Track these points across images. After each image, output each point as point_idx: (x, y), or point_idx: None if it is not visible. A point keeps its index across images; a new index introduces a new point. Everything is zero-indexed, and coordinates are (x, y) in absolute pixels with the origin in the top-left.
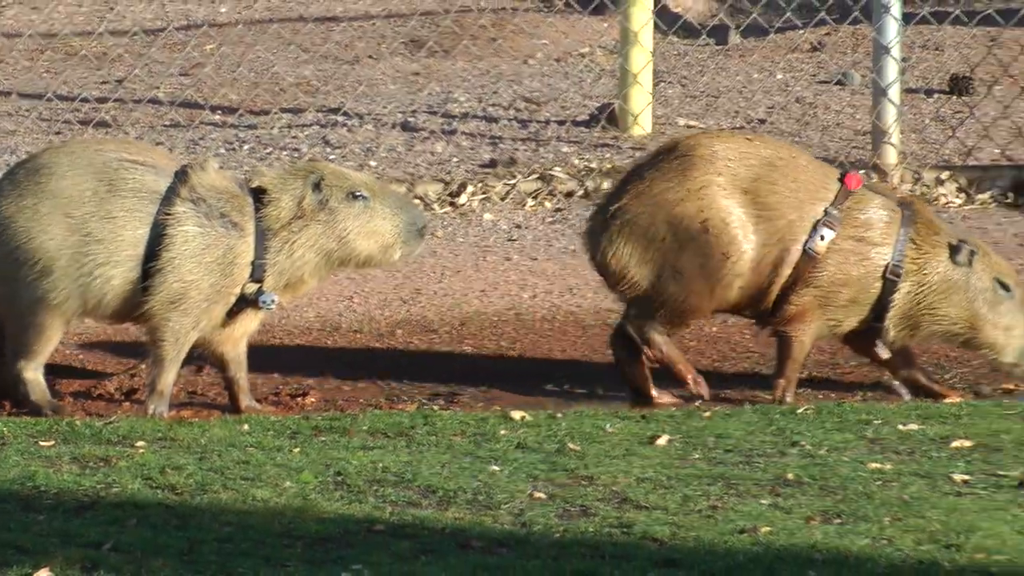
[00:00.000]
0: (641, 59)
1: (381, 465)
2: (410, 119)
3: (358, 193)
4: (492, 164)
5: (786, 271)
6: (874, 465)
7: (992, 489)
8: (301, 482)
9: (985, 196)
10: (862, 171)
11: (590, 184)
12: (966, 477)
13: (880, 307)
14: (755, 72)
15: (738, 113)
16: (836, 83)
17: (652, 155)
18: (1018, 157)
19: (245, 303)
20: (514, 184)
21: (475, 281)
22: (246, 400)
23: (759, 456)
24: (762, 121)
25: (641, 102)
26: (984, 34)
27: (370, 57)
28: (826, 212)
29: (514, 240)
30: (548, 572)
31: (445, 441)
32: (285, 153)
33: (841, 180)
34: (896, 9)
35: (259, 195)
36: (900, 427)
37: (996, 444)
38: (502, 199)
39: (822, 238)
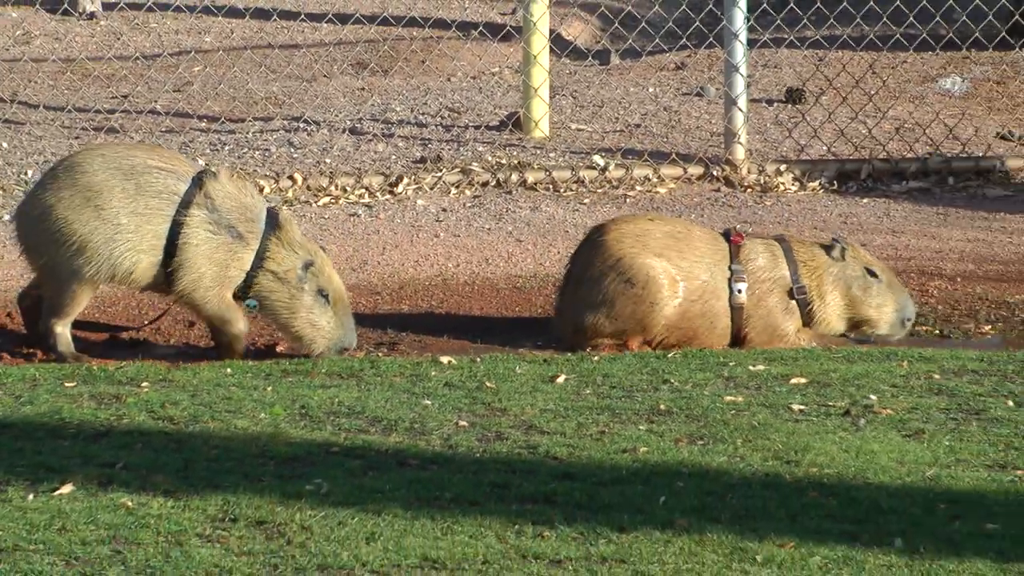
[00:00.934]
0: (540, 76)
1: (337, 400)
2: (357, 125)
3: (325, 292)
4: (423, 160)
5: (722, 322)
6: (729, 398)
7: (823, 417)
8: (273, 414)
9: (815, 184)
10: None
11: (501, 176)
12: (802, 407)
13: (806, 316)
14: (632, 87)
15: (618, 119)
16: (696, 95)
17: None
18: (840, 153)
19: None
20: (440, 176)
21: (410, 254)
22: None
23: (638, 391)
24: (637, 125)
25: (540, 111)
26: (813, 55)
27: (324, 76)
28: (731, 270)
29: (441, 221)
30: (470, 484)
31: (388, 381)
32: (258, 153)
33: (727, 239)
34: (743, 36)
35: (273, 219)
36: (750, 367)
37: (826, 381)
38: (431, 188)
39: (740, 292)
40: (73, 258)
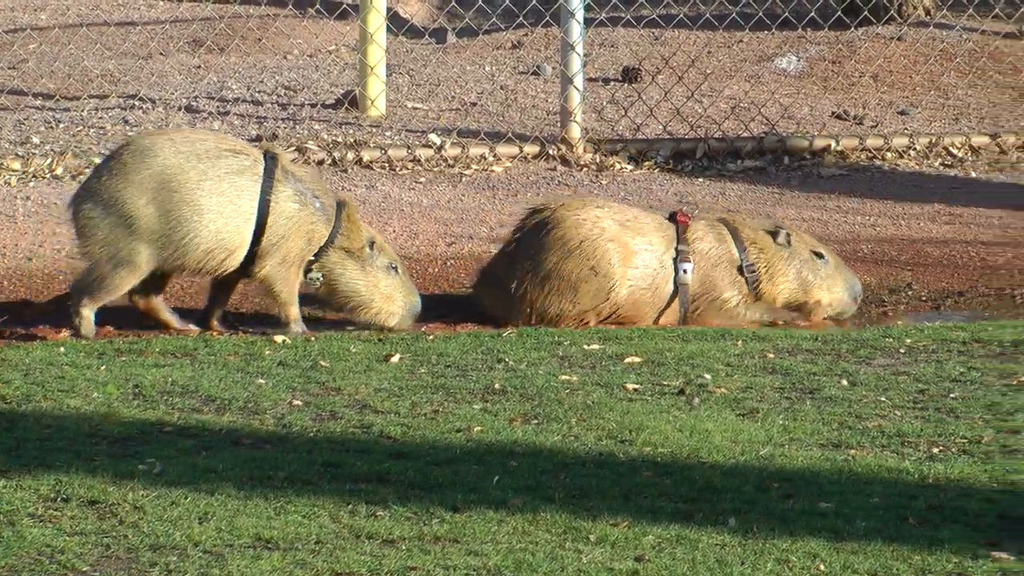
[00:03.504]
0: (376, 55)
1: (171, 379)
2: (193, 103)
3: (394, 265)
4: (258, 138)
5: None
6: (564, 377)
7: (657, 396)
8: (106, 393)
9: (650, 163)
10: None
11: (337, 154)
12: (637, 386)
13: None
14: (468, 65)
15: (455, 98)
16: (532, 74)
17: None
18: (676, 132)
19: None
20: None
21: None
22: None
23: (472, 370)
24: (474, 104)
25: (377, 89)
26: (649, 34)
27: (160, 54)
28: (678, 250)
29: None
30: (304, 463)
31: (222, 360)
32: (93, 131)
33: (673, 220)
34: (579, 15)
35: (341, 206)
36: (585, 347)
37: (661, 360)
38: None
39: (685, 272)
40: (130, 242)
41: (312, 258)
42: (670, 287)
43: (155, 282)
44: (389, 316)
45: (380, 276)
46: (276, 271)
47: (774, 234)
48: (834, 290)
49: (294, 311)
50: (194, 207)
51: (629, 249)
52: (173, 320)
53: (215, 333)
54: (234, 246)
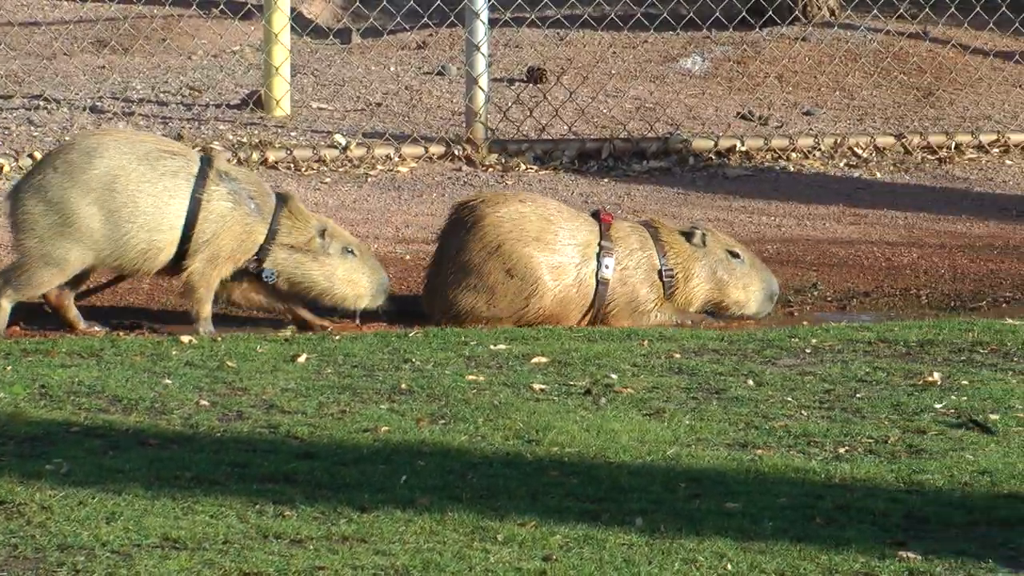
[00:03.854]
0: (281, 55)
1: (77, 379)
2: (97, 103)
3: (350, 248)
4: None
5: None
6: (471, 377)
7: (564, 396)
8: (12, 393)
9: (556, 164)
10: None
11: (242, 155)
12: (543, 386)
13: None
14: (373, 65)
15: (360, 98)
16: (437, 74)
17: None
18: (581, 132)
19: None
20: None
21: None
22: (307, 314)
23: (379, 370)
24: (379, 104)
25: (282, 90)
26: (554, 34)
27: (65, 54)
28: (601, 246)
29: None
30: (211, 463)
31: (128, 360)
32: None
33: (597, 218)
34: (484, 15)
35: (283, 201)
36: (491, 347)
37: (568, 360)
38: None
39: (607, 267)
40: (66, 242)
41: (254, 258)
42: (593, 282)
43: (76, 279)
44: (356, 299)
45: (336, 263)
46: (202, 270)
47: (689, 235)
48: (750, 290)
49: (206, 310)
50: (132, 208)
51: (552, 249)
52: (79, 321)
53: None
54: (164, 244)
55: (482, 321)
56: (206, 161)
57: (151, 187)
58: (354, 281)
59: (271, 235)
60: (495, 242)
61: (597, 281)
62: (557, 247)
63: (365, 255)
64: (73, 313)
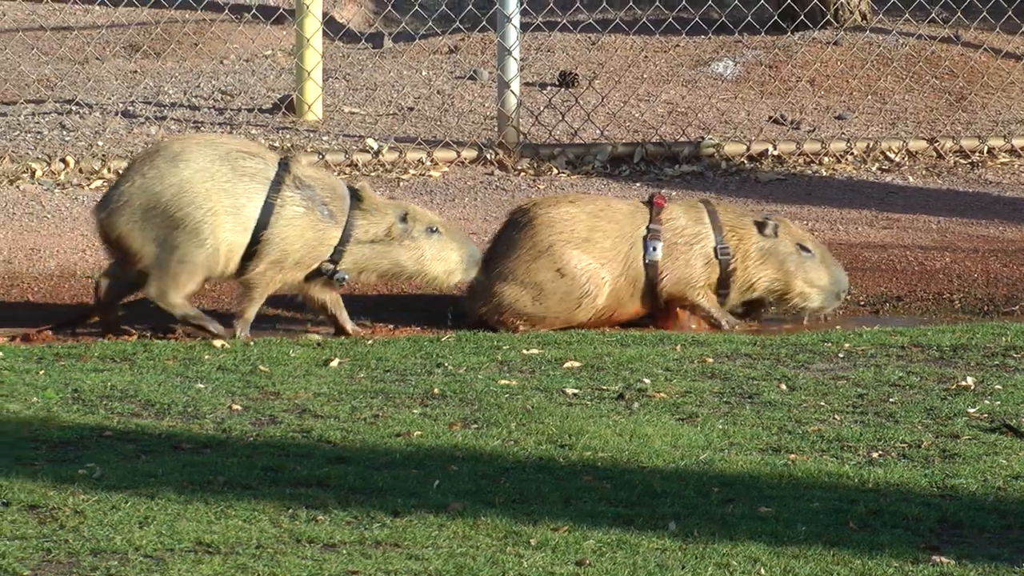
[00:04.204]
0: (313, 59)
1: (110, 383)
2: (129, 108)
3: (434, 228)
4: None
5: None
6: (503, 381)
7: (597, 400)
8: (45, 398)
9: (588, 168)
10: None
11: None
12: (576, 391)
13: (723, 280)
14: (405, 70)
15: (391, 102)
16: (469, 78)
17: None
18: (613, 136)
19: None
20: None
21: None
22: (349, 325)
23: (411, 375)
24: (411, 109)
25: (313, 94)
26: (586, 39)
27: (97, 59)
28: (648, 229)
29: None
30: (244, 468)
31: (161, 364)
32: (29, 135)
33: (650, 203)
34: (516, 19)
35: (357, 200)
36: (524, 351)
37: (600, 365)
38: None
39: (654, 250)
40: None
41: (328, 261)
42: (642, 268)
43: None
44: (449, 276)
45: (423, 244)
46: (264, 272)
47: (762, 224)
48: (816, 283)
49: (252, 312)
50: (213, 211)
51: (601, 247)
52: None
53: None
54: (237, 246)
55: (529, 322)
56: (283, 165)
57: (231, 188)
58: (443, 258)
59: (345, 237)
60: (547, 242)
61: (645, 265)
62: (605, 242)
63: (451, 231)
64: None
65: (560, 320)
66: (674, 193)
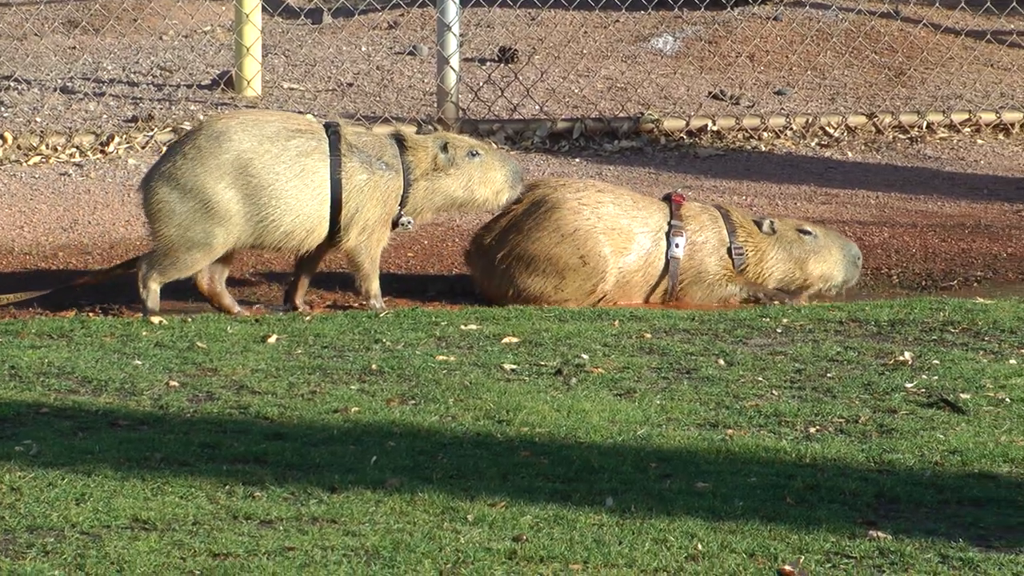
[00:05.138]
0: (252, 35)
1: (47, 360)
2: (68, 84)
3: (475, 152)
4: (134, 119)
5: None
6: (441, 357)
7: (535, 376)
8: None
9: (527, 143)
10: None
11: None
12: (514, 367)
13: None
14: (344, 46)
15: (331, 78)
16: (408, 54)
17: (525, 208)
18: (553, 112)
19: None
20: (152, 135)
21: (121, 213)
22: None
23: (349, 351)
24: (350, 84)
25: (253, 70)
26: (526, 14)
27: (35, 35)
28: (670, 225)
29: None
30: (181, 444)
31: (98, 341)
32: None
33: (668, 200)
34: None
35: (401, 143)
36: (462, 327)
37: (538, 340)
38: (143, 147)
39: (677, 246)
40: (208, 225)
41: (399, 209)
42: (662, 262)
43: (223, 261)
44: (497, 196)
45: (468, 169)
46: (357, 243)
47: (759, 224)
48: (829, 260)
49: (375, 286)
50: (271, 191)
51: (625, 237)
52: (233, 306)
53: (305, 309)
54: (313, 225)
55: (545, 301)
56: (335, 135)
57: (287, 169)
58: (490, 180)
59: (407, 182)
60: (571, 227)
61: (667, 259)
62: (631, 233)
63: (490, 151)
64: (228, 299)
65: (579, 302)
66: (613, 168)
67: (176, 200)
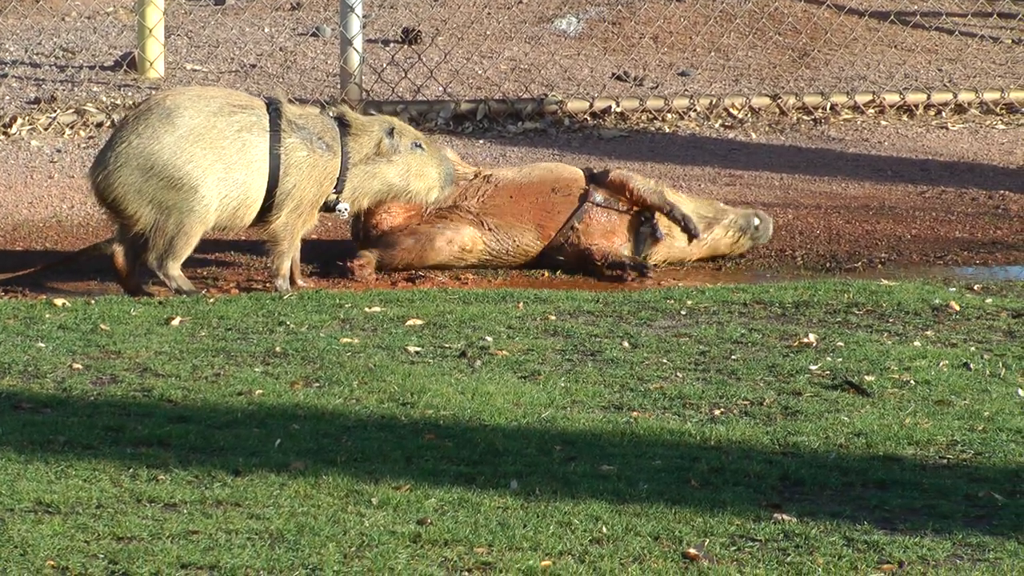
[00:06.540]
0: (155, 16)
1: None
2: None
3: (418, 143)
4: (37, 101)
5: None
6: (345, 340)
7: (439, 359)
8: None
9: (431, 125)
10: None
11: (116, 117)
12: (418, 349)
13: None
14: (247, 27)
15: (234, 60)
16: (312, 35)
17: None
18: (456, 94)
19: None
20: (55, 117)
21: (24, 195)
22: (299, 279)
23: (253, 333)
24: (253, 66)
25: (155, 51)
26: None
27: None
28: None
29: (55, 162)
30: (84, 427)
31: (1, 323)
32: None
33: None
34: None
35: (344, 125)
36: (366, 309)
37: (442, 322)
38: (46, 129)
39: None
40: (184, 193)
41: (334, 192)
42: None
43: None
44: (428, 192)
45: (409, 159)
46: (286, 221)
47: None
48: (424, 177)
49: (286, 266)
50: (222, 165)
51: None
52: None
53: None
54: (252, 201)
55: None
56: (275, 112)
57: (232, 144)
58: (425, 174)
59: (345, 165)
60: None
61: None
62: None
63: (432, 147)
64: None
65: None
66: (517, 149)
67: (142, 181)
